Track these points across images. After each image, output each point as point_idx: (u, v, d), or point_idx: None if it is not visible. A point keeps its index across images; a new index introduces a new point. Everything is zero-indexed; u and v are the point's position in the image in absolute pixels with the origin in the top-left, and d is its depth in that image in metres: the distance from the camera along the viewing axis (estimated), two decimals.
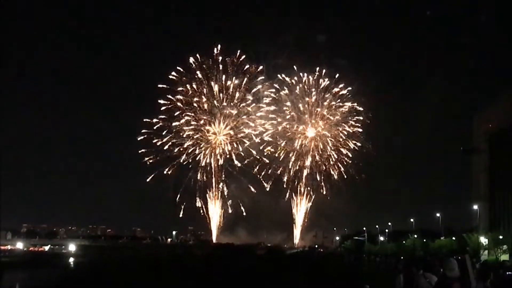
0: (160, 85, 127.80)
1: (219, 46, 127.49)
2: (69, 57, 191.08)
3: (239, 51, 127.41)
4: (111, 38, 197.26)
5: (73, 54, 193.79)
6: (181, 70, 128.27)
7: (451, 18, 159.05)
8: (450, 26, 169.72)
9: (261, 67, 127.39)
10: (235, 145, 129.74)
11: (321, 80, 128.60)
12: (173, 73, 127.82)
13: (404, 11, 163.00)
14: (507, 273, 24.87)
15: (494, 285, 15.21)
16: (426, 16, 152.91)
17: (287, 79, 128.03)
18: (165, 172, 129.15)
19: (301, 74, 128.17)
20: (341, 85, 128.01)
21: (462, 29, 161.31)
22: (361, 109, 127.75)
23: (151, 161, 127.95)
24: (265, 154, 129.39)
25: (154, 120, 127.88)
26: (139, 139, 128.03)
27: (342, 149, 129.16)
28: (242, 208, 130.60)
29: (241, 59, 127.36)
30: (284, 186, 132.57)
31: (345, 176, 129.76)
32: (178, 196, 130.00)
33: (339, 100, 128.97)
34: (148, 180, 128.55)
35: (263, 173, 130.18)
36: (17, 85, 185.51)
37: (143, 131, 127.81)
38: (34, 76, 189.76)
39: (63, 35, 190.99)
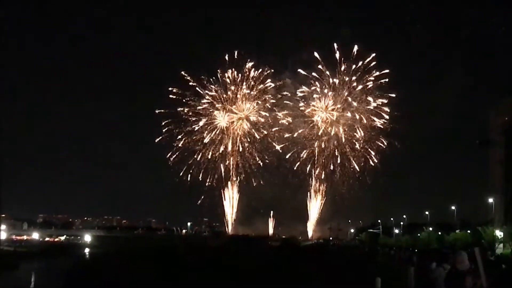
0: (172, 87, 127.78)
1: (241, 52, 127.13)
2: (77, 55, 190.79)
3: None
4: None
5: (81, 53, 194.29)
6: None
7: (469, 12, 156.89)
8: (467, 19, 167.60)
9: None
10: (255, 136, 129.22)
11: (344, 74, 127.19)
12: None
13: (422, 5, 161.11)
14: None
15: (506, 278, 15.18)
16: (444, 10, 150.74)
17: (313, 74, 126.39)
18: (184, 170, 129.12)
19: (324, 67, 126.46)
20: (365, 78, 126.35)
21: (479, 21, 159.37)
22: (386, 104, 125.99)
23: (172, 158, 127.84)
24: (284, 146, 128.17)
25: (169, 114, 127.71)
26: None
27: (357, 144, 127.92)
28: (259, 199, 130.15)
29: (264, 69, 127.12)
30: (301, 178, 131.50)
31: (359, 169, 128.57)
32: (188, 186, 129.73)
33: (360, 91, 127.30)
34: (165, 174, 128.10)
35: (282, 165, 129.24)
36: (39, 77, 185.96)
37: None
38: (60, 66, 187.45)
39: (75, 30, 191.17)
